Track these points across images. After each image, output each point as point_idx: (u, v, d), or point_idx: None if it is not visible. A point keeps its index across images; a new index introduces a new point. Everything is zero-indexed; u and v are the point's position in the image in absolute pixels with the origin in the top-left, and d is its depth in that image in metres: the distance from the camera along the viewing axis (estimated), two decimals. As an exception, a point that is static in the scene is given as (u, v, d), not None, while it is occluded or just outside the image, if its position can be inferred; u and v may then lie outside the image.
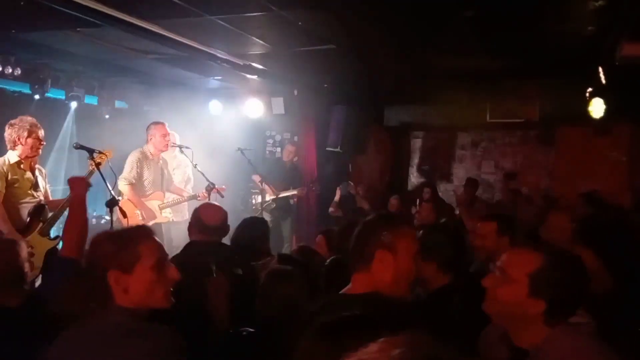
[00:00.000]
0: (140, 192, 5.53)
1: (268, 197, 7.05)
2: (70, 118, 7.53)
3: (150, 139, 5.64)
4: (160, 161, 5.77)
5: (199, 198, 5.71)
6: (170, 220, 5.86)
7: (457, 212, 6.41)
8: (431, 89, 7.17)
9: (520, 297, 1.62)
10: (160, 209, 5.67)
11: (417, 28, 4.85)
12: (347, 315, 1.31)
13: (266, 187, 6.97)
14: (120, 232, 1.78)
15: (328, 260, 2.97)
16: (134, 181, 5.45)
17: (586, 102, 6.23)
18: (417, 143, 9.35)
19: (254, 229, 3.74)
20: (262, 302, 2.41)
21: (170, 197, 5.92)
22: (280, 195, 7.06)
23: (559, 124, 7.90)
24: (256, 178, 7.21)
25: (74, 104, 7.09)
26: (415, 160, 9.33)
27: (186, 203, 6.07)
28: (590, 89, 6.19)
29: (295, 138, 8.37)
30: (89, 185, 2.73)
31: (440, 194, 8.14)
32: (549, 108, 7.30)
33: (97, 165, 4.34)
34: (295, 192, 7.26)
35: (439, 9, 4.27)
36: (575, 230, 3.14)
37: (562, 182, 7.92)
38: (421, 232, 2.86)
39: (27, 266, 2.26)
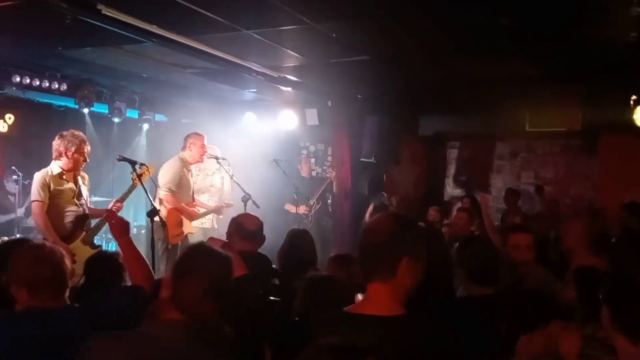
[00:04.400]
0: (180, 199, 5.64)
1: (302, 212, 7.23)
2: (111, 130, 7.76)
3: (189, 147, 5.74)
4: (191, 171, 5.88)
5: (229, 206, 5.83)
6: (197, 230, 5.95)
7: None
8: (467, 97, 7.08)
9: None
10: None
11: (452, 36, 4.81)
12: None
13: (301, 208, 7.19)
14: None
15: None
16: (174, 189, 5.56)
17: (630, 110, 6.05)
18: (453, 153, 9.23)
19: (300, 240, 3.77)
20: (304, 308, 2.40)
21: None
22: (314, 207, 7.22)
23: (602, 133, 7.67)
24: (290, 208, 7.32)
25: (116, 118, 7.31)
26: (452, 170, 9.21)
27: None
28: (634, 97, 6.01)
29: (329, 149, 8.41)
30: (126, 224, 2.80)
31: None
32: (591, 116, 7.08)
33: (139, 177, 4.46)
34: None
35: (473, 17, 4.23)
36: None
37: (605, 193, 7.68)
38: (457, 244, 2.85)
39: (69, 273, 2.34)
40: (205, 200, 6.30)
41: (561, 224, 4.53)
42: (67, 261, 2.32)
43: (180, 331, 1.76)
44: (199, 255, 1.98)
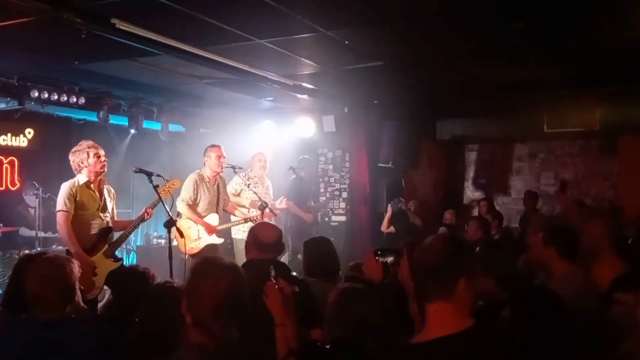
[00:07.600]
0: (200, 212, 5.64)
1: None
2: (130, 142, 7.83)
3: (206, 161, 5.74)
4: (218, 182, 5.82)
5: (254, 220, 5.72)
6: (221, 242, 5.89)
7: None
8: (484, 101, 7.02)
9: None
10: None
11: (466, 41, 4.78)
12: None
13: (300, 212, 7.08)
14: None
15: None
16: (190, 202, 5.57)
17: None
18: (471, 156, 9.17)
19: (320, 249, 3.75)
20: (333, 321, 2.37)
21: (226, 218, 5.99)
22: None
23: (622, 133, 7.55)
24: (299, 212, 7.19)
25: (133, 129, 7.38)
26: (471, 173, 9.14)
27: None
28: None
29: (347, 155, 8.40)
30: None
31: (497, 207, 7.92)
32: (610, 116, 6.98)
33: (156, 188, 4.47)
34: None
35: (486, 22, 4.20)
36: None
37: (626, 193, 7.54)
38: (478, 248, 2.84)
39: (77, 285, 2.39)
40: (244, 211, 6.08)
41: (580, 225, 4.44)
42: (75, 273, 2.35)
43: (198, 356, 1.69)
44: (205, 271, 1.84)
